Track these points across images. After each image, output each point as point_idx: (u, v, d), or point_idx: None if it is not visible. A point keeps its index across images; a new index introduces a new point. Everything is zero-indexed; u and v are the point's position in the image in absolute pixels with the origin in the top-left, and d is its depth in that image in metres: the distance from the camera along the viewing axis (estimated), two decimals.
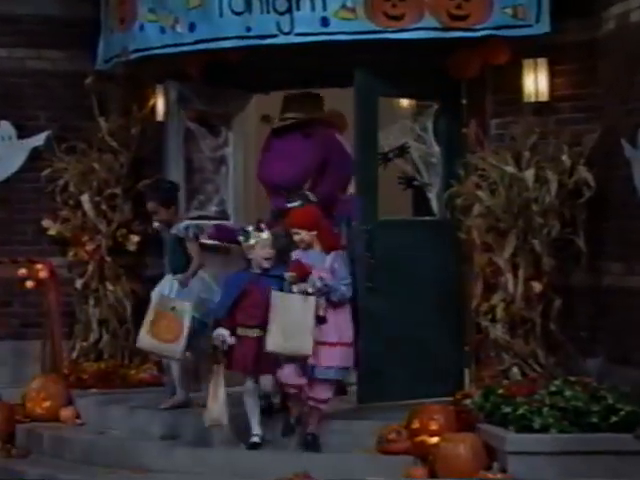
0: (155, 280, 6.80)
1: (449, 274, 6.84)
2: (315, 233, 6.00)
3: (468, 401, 5.95)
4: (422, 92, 7.14)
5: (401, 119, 7.94)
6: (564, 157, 6.29)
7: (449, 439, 5.68)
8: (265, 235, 5.98)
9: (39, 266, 7.33)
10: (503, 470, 5.48)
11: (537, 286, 6.32)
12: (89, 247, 7.45)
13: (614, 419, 5.49)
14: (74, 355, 7.44)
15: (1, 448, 6.60)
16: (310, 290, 5.85)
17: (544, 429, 5.53)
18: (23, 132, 7.60)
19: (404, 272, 6.68)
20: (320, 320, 5.88)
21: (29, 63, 7.66)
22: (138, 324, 7.40)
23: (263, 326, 5.85)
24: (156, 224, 6.70)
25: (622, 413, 5.50)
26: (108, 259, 7.45)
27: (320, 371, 5.91)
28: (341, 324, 6.01)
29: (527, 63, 6.57)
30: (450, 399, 6.17)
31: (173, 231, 6.60)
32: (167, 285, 6.54)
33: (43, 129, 7.59)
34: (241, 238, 6.00)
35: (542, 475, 5.39)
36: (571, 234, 6.34)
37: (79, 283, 7.49)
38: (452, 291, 6.81)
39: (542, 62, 6.55)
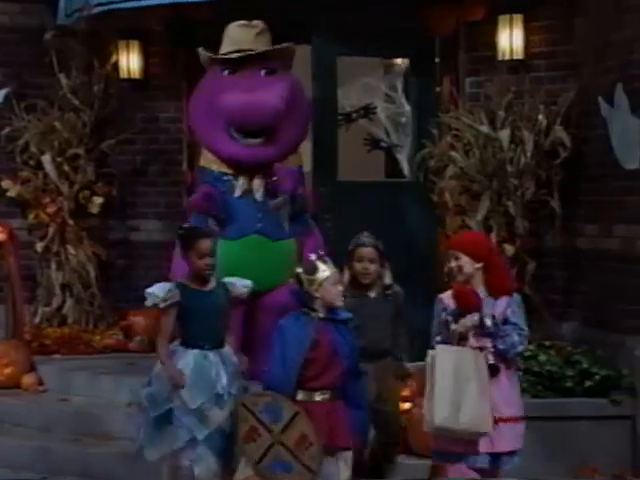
0: (119, 243, 6.63)
1: (420, 238, 6.73)
2: (481, 265, 4.43)
3: None
4: (392, 50, 7.01)
5: (366, 78, 7.81)
6: (540, 117, 6.20)
7: None
8: (332, 267, 4.51)
9: None
10: None
11: (510, 249, 6.24)
12: (50, 209, 7.27)
13: (589, 384, 5.47)
14: (36, 320, 7.28)
15: None
16: (471, 325, 4.34)
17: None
18: None
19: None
20: (493, 370, 4.35)
21: None
22: (102, 288, 7.26)
23: (332, 388, 4.44)
24: None
25: (597, 377, 5.49)
26: (70, 222, 7.27)
27: (505, 460, 4.39)
28: (511, 389, 4.45)
29: (502, 19, 6.46)
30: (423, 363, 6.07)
31: None
32: None
33: (1, 86, 7.36)
34: (300, 270, 4.48)
35: None
36: (546, 196, 6.26)
37: (40, 246, 7.31)
38: (423, 255, 6.69)
39: (518, 18, 6.45)
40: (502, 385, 4.34)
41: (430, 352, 4.37)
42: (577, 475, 5.19)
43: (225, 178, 5.72)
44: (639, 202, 5.60)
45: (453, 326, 4.33)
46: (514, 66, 6.46)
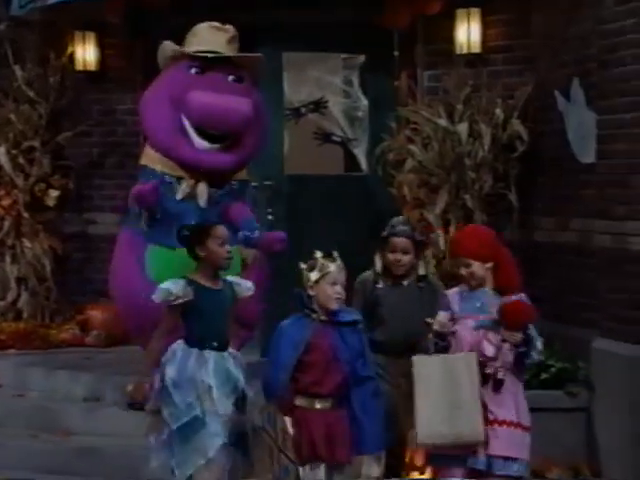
0: (75, 237, 6.57)
1: (378, 231, 6.73)
2: (491, 265, 4.33)
3: None
4: (348, 45, 7.00)
5: (318, 73, 7.82)
6: (497, 110, 6.23)
7: None
8: (335, 266, 4.26)
9: None
10: None
11: None
12: (5, 202, 7.20)
13: (545, 376, 5.49)
14: None
15: None
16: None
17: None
18: None
19: (322, 229, 6.57)
20: (497, 385, 4.24)
21: None
22: (58, 282, 7.18)
23: (332, 395, 4.21)
24: None
25: (553, 370, 5.52)
26: (25, 215, 7.20)
27: (499, 464, 4.23)
28: (520, 399, 4.33)
29: (460, 13, 6.48)
30: None
31: None
32: None
33: None
34: (304, 267, 4.27)
35: None
36: (503, 189, 6.29)
37: None
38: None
39: (475, 12, 6.48)
40: (507, 390, 4.22)
41: (414, 359, 4.26)
42: (533, 467, 5.22)
43: (167, 179, 5.39)
44: (595, 196, 5.64)
45: (435, 325, 4.22)
46: (472, 60, 6.48)
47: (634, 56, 5.23)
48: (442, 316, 4.25)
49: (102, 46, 7.26)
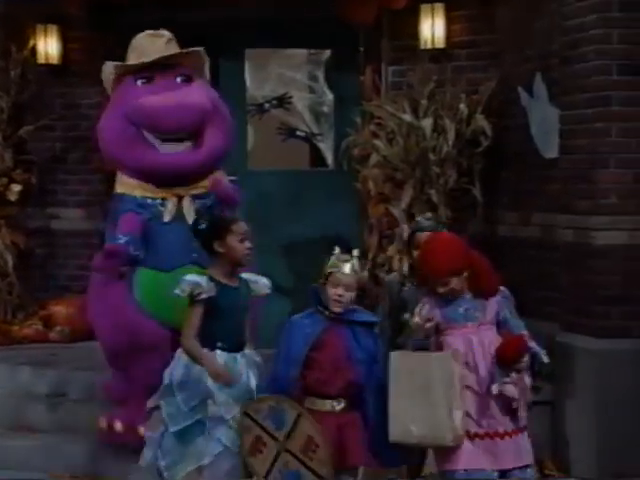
0: (38, 232, 6.49)
1: (344, 226, 6.75)
2: (466, 274, 4.16)
3: None
4: (313, 40, 7.02)
5: (282, 69, 7.82)
6: (462, 105, 6.24)
7: None
8: (349, 266, 4.09)
9: None
10: None
11: None
12: None
13: None
14: None
15: None
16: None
17: None
18: None
19: (287, 224, 6.56)
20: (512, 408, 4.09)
21: None
22: (21, 278, 7.11)
23: (344, 396, 4.05)
24: None
25: None
26: None
27: (515, 473, 4.11)
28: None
29: (424, 8, 6.49)
30: None
31: None
32: None
33: None
34: (331, 261, 4.07)
35: None
36: (468, 184, 6.31)
37: None
38: (347, 244, 6.70)
39: (439, 8, 6.49)
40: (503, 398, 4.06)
41: (391, 354, 4.10)
42: None
43: (150, 202, 5.10)
44: (558, 191, 5.68)
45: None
46: (436, 55, 6.50)
47: (595, 52, 5.27)
48: (425, 309, 4.10)
49: (65, 39, 7.18)
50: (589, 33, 5.30)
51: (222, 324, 4.18)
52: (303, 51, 7.78)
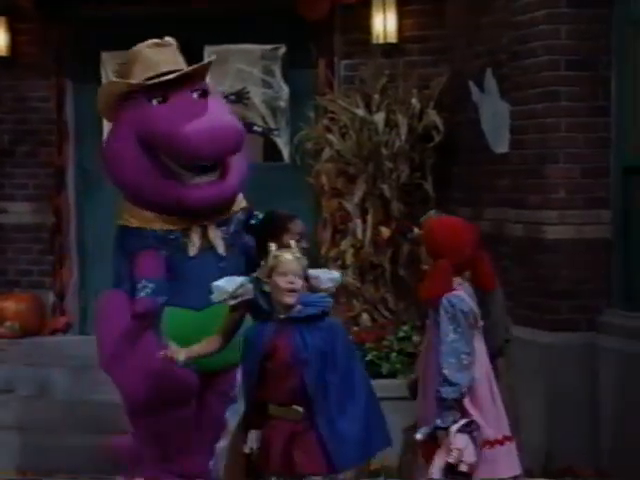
0: None
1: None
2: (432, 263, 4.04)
3: None
4: (270, 36, 7.00)
5: (240, 64, 7.82)
6: (413, 100, 6.26)
7: None
8: (291, 254, 3.81)
9: None
10: None
11: (386, 231, 6.29)
12: None
13: None
14: None
15: None
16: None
17: (392, 375, 5.52)
18: None
19: None
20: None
21: None
22: None
23: (295, 401, 3.78)
24: None
25: None
26: None
27: None
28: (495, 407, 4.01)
29: (376, 3, 6.50)
30: None
31: None
32: None
33: None
34: (270, 255, 3.82)
35: (389, 421, 5.37)
36: (420, 179, 6.32)
37: None
38: None
39: (391, 2, 6.50)
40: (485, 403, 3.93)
41: None
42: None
43: (172, 237, 4.47)
44: (508, 185, 5.70)
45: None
46: (388, 50, 6.51)
47: (545, 47, 5.30)
48: None
49: (13, 31, 7.08)
50: (538, 29, 5.33)
51: None
52: (260, 46, 7.77)
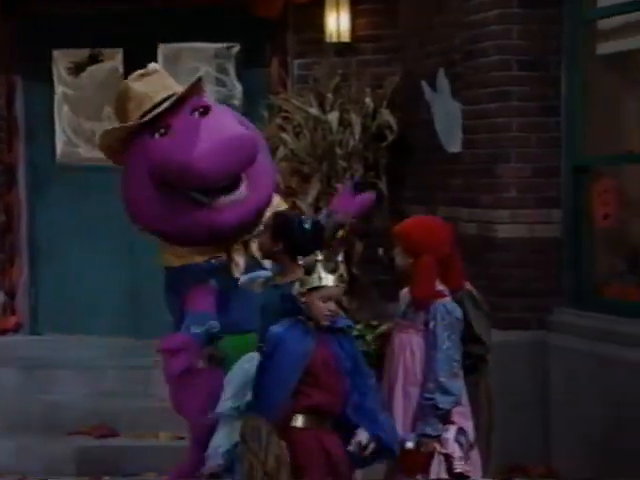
0: None
1: None
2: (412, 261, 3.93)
3: None
4: (223, 34, 6.98)
5: (195, 63, 7.79)
6: (367, 100, 6.27)
7: None
8: (336, 277, 3.68)
9: None
10: None
11: (339, 230, 6.27)
12: None
13: None
14: None
15: None
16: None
17: None
18: None
19: None
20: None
21: None
22: None
23: (337, 410, 3.72)
24: None
25: None
26: None
27: None
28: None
29: (329, 2, 6.50)
30: None
31: None
32: None
33: None
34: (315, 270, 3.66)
35: None
36: (374, 178, 6.34)
37: None
38: None
39: (344, 2, 6.49)
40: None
41: None
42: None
43: (216, 264, 4.32)
44: (461, 185, 5.73)
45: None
46: (341, 49, 6.51)
47: (496, 47, 5.32)
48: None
49: None
50: (490, 29, 5.35)
51: None
52: (214, 45, 7.76)
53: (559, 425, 5.20)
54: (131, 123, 4.28)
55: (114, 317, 6.97)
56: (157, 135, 4.27)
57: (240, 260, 4.31)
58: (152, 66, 4.46)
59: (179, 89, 4.35)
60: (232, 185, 4.23)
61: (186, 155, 4.11)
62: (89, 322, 7.03)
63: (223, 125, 4.23)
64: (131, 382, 5.99)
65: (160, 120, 4.26)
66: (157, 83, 4.36)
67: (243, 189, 4.25)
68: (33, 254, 7.22)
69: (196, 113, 4.29)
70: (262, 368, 3.69)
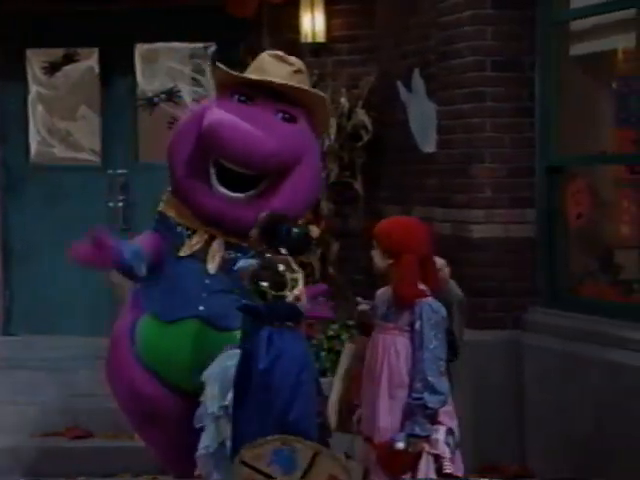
0: None
1: None
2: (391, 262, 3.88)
3: None
4: (200, 33, 6.98)
5: (171, 63, 7.77)
6: (342, 100, 6.28)
7: None
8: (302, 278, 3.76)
9: None
10: None
11: (315, 230, 6.28)
12: None
13: None
14: None
15: None
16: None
17: (322, 374, 5.51)
18: None
19: None
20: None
21: None
22: None
23: None
24: None
25: None
26: None
27: None
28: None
29: (304, 2, 6.51)
30: None
31: None
32: None
33: None
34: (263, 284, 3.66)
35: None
36: (349, 178, 6.35)
37: None
38: None
39: (319, 1, 6.51)
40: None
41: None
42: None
43: (178, 230, 4.29)
44: (436, 185, 5.74)
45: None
46: (316, 49, 6.53)
47: (470, 48, 5.34)
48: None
49: None
50: (463, 30, 5.37)
51: None
52: (190, 45, 7.75)
53: (534, 425, 5.22)
54: (227, 70, 4.22)
55: (88, 318, 6.94)
56: (235, 98, 4.23)
57: (194, 244, 4.24)
58: (293, 59, 4.36)
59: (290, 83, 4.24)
60: (245, 187, 4.18)
61: (223, 117, 4.09)
62: (63, 323, 7.00)
63: (280, 134, 4.16)
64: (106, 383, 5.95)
65: (251, 93, 4.21)
66: (285, 73, 4.25)
67: (247, 197, 4.18)
68: (7, 255, 7.18)
69: (280, 115, 4.22)
70: (292, 390, 3.61)
